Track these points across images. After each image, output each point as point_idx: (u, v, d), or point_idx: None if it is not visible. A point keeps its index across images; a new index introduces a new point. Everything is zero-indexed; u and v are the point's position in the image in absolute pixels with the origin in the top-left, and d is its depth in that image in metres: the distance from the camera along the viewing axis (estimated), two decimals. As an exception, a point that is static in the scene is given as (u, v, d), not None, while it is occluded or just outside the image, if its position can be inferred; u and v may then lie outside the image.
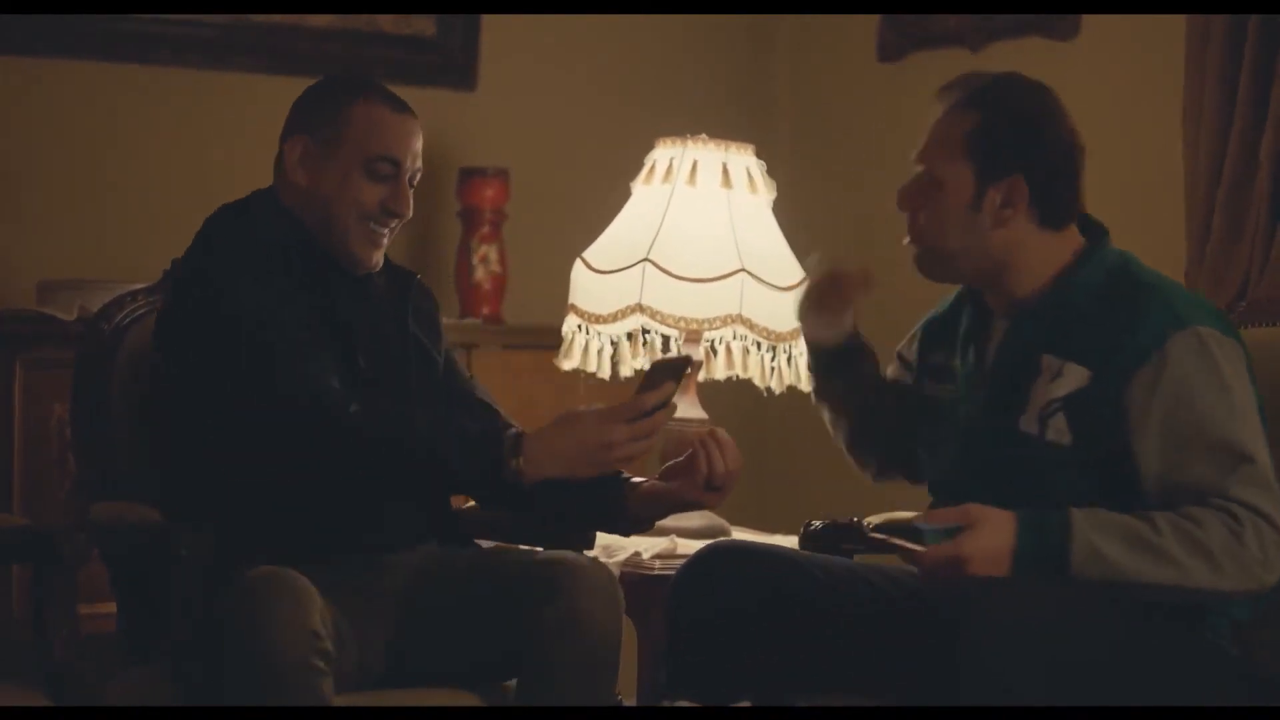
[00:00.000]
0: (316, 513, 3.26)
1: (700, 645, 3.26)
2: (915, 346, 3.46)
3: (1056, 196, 3.21)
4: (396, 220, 3.41)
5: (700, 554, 3.33)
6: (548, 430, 3.21)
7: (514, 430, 3.27)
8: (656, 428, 3.23)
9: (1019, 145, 3.18)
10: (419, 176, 3.44)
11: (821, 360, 3.52)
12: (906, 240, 3.29)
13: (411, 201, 3.42)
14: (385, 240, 3.43)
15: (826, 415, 3.58)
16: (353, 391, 3.26)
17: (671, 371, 3.23)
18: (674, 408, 3.22)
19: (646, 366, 3.22)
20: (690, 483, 3.35)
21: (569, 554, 3.32)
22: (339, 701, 3.08)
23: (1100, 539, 3.02)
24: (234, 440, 3.23)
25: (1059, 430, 3.15)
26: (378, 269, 3.45)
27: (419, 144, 3.43)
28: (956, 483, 3.22)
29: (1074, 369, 3.15)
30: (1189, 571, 3.01)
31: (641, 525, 3.48)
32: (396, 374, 3.42)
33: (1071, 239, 3.25)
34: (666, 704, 3.25)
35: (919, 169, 3.25)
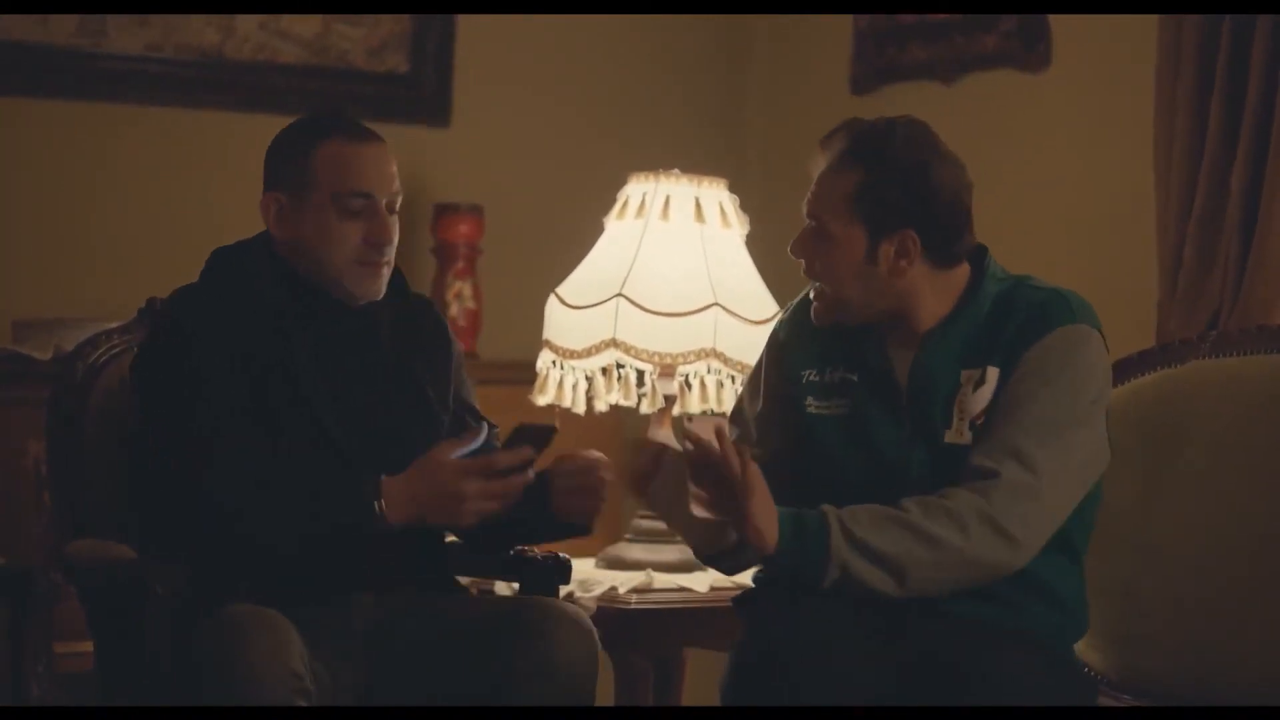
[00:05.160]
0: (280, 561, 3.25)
1: None
2: (783, 368, 3.37)
3: (949, 241, 3.23)
4: (388, 248, 3.36)
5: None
6: (406, 475, 3.21)
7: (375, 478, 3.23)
8: (510, 489, 3.22)
9: (906, 201, 3.19)
10: (399, 200, 3.39)
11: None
12: (812, 290, 3.28)
13: (394, 228, 3.36)
14: (385, 270, 3.38)
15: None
16: (289, 465, 3.24)
17: (534, 437, 3.24)
18: (532, 477, 3.22)
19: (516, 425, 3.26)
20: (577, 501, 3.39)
21: (543, 598, 3.32)
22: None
23: (848, 517, 3.06)
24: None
25: None
26: (380, 297, 3.40)
27: (390, 168, 3.38)
28: (876, 499, 3.16)
29: (992, 371, 3.20)
30: (940, 542, 3.07)
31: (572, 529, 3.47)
32: (381, 427, 3.37)
33: (963, 267, 3.28)
34: None
35: (810, 222, 3.25)
